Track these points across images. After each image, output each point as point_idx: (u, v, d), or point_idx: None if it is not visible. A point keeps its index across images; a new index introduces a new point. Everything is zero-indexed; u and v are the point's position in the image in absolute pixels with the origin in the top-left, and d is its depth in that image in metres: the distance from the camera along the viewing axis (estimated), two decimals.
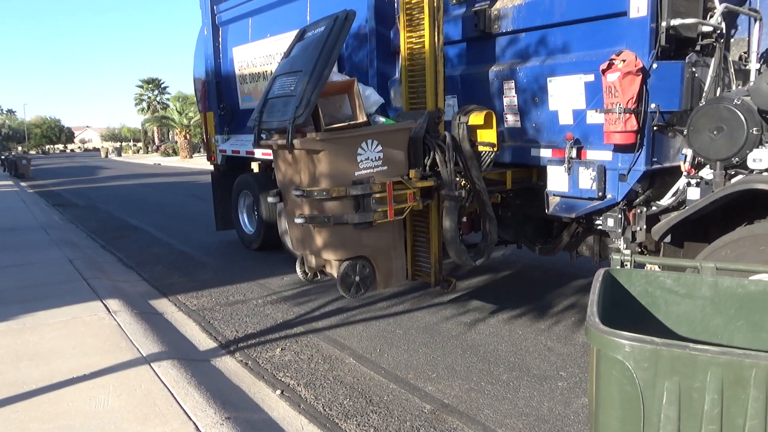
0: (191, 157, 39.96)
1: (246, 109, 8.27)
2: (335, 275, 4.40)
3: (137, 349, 4.30)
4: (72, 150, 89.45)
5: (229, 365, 4.37)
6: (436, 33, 4.59)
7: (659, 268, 3.54)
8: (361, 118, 4.37)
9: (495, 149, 4.67)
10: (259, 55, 7.58)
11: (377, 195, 4.19)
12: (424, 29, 4.63)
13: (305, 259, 4.77)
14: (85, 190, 20.05)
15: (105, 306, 5.32)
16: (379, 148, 4.23)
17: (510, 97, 4.92)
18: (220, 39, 8.63)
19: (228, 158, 8.67)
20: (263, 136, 4.63)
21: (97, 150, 75.64)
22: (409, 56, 4.84)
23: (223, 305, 5.83)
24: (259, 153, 7.79)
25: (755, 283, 2.30)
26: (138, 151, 62.49)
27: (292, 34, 6.80)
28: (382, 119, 4.64)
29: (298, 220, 4.25)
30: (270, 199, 4.77)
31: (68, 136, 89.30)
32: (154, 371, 3.91)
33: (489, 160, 4.73)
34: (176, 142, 45.17)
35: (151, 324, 4.99)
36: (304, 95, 4.08)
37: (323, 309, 5.60)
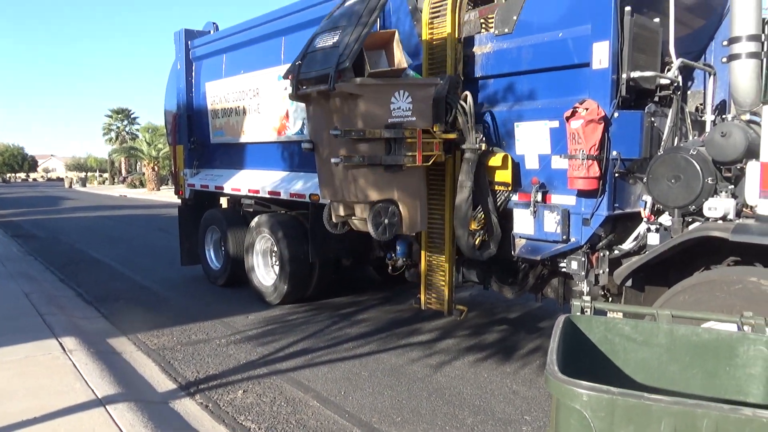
0: (158, 189, 39.42)
1: (217, 143, 8.27)
2: (366, 218, 4.69)
3: (92, 390, 4.14)
4: (34, 179, 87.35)
5: (189, 408, 4.23)
6: (458, 7, 4.97)
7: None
8: (404, 65, 4.80)
9: (510, 188, 4.79)
10: (232, 90, 7.63)
11: (408, 140, 4.56)
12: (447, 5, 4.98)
13: (333, 209, 5.13)
14: (46, 221, 19.52)
15: (60, 344, 5.13)
16: (410, 99, 4.60)
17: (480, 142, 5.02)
18: (194, 73, 8.66)
19: (196, 192, 8.60)
20: (302, 87, 4.89)
21: (60, 179, 74.00)
22: (430, 26, 5.15)
23: (184, 344, 5.67)
24: (228, 188, 7.76)
25: (708, 332, 2.36)
26: (104, 182, 61.32)
27: (266, 71, 6.95)
28: (412, 73, 5.02)
29: (335, 160, 4.53)
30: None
31: (31, 164, 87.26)
32: (109, 414, 3.76)
33: (504, 198, 4.87)
34: (144, 174, 44.56)
35: (108, 364, 4.82)
36: (349, 43, 4.44)
37: (288, 349, 5.50)
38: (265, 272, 7.38)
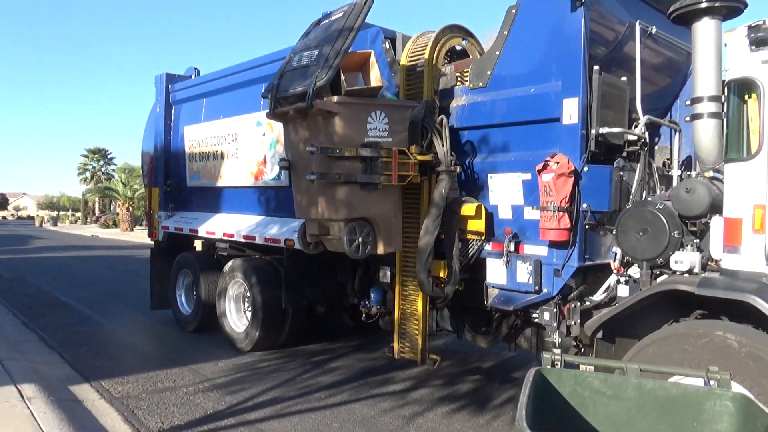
0: (132, 230, 38.85)
1: (193, 187, 8.24)
2: (340, 236, 4.66)
3: None
4: (4, 217, 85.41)
5: None
6: (434, 60, 5.18)
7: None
8: (378, 84, 4.94)
9: (483, 238, 4.82)
10: (211, 135, 7.66)
11: (384, 159, 4.63)
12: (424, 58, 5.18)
13: (307, 228, 5.16)
14: (13, 260, 19.00)
15: (19, 392, 4.92)
16: (386, 120, 4.70)
17: (453, 191, 5.09)
18: (173, 116, 8.70)
19: (170, 235, 8.49)
20: (280, 105, 4.94)
21: (31, 218, 72.42)
22: (408, 78, 5.32)
23: (150, 392, 5.49)
24: (203, 231, 7.69)
25: (676, 386, 2.38)
26: (76, 221, 60.26)
27: (245, 117, 7.02)
28: (389, 94, 5.11)
29: (311, 177, 4.51)
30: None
31: (1, 202, 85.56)
32: None
33: (477, 247, 4.89)
34: (117, 214, 43.96)
35: (68, 413, 4.62)
36: (327, 60, 4.52)
37: (258, 398, 5.35)
38: (237, 318, 7.25)
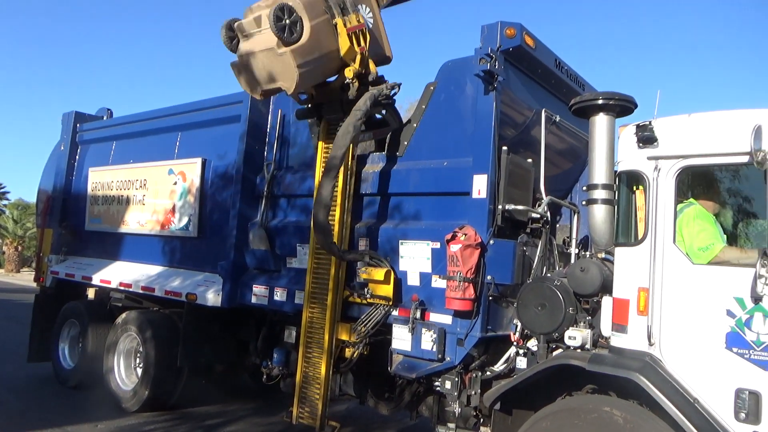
0: (18, 271, 35.71)
1: (92, 231, 7.78)
2: (268, 18, 4.42)
3: None
4: None
5: None
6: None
7: None
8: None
9: (391, 303, 4.78)
10: (118, 179, 7.34)
11: None
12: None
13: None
14: None
15: None
16: None
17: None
18: (78, 156, 8.30)
19: (59, 281, 7.89)
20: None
21: None
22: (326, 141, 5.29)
23: None
24: (97, 279, 7.21)
25: None
26: None
27: (157, 164, 6.80)
28: None
29: None
30: None
31: None
32: None
33: (384, 312, 4.84)
34: (4, 253, 40.36)
35: None
36: None
37: None
38: (125, 375, 6.75)
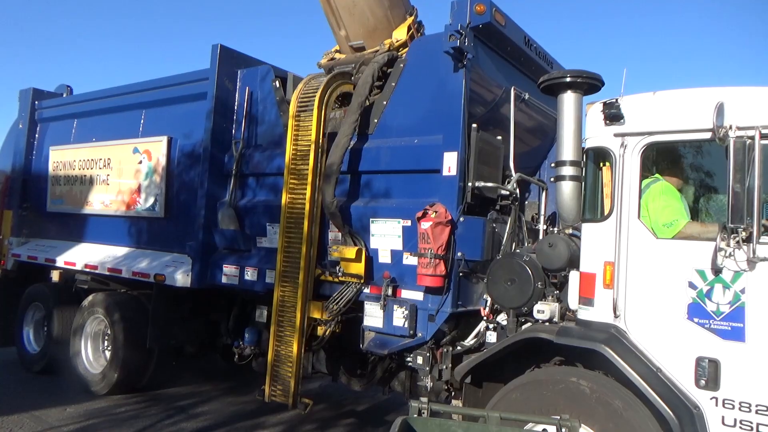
0: None
1: (54, 212, 7.57)
2: None
3: None
4: None
5: None
6: (324, 104, 5.15)
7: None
8: None
9: (362, 281, 4.79)
10: (80, 158, 7.13)
11: None
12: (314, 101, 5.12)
13: None
14: None
15: None
16: None
17: (335, 232, 5.11)
18: (37, 135, 8.02)
19: (21, 264, 7.68)
20: None
21: None
22: (296, 119, 5.24)
23: None
24: (61, 261, 7.04)
25: None
26: None
27: (121, 143, 6.63)
28: None
29: None
30: None
31: None
32: None
33: (356, 290, 4.85)
34: None
35: None
36: None
37: None
38: (93, 358, 6.65)
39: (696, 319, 3.32)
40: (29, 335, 7.56)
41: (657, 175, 3.80)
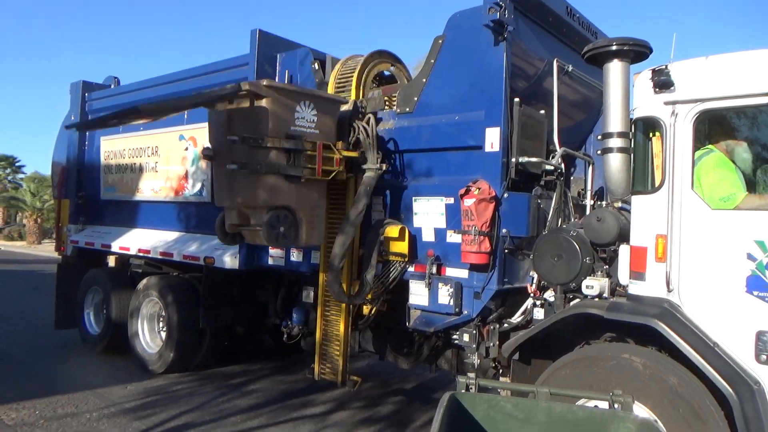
0: (40, 243, 36.36)
1: (108, 200, 7.84)
2: (259, 225, 4.45)
3: None
4: None
5: None
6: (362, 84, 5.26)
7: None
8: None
9: (406, 260, 4.81)
10: (129, 147, 7.35)
11: (309, 152, 4.55)
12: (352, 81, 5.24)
13: (227, 216, 4.88)
14: None
15: None
16: (314, 112, 4.64)
17: (378, 212, 5.13)
18: None
19: (80, 250, 8.02)
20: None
21: None
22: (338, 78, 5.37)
23: (48, 419, 5.10)
24: (116, 246, 7.32)
25: (583, 410, 2.47)
26: None
27: (168, 130, 6.78)
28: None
29: (231, 167, 4.35)
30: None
31: None
32: None
33: (400, 269, 4.87)
34: (24, 226, 41.07)
35: None
36: None
37: (168, 424, 5.10)
38: (150, 338, 6.92)
39: (756, 292, 3.20)
40: (90, 317, 7.91)
41: (710, 146, 3.64)
